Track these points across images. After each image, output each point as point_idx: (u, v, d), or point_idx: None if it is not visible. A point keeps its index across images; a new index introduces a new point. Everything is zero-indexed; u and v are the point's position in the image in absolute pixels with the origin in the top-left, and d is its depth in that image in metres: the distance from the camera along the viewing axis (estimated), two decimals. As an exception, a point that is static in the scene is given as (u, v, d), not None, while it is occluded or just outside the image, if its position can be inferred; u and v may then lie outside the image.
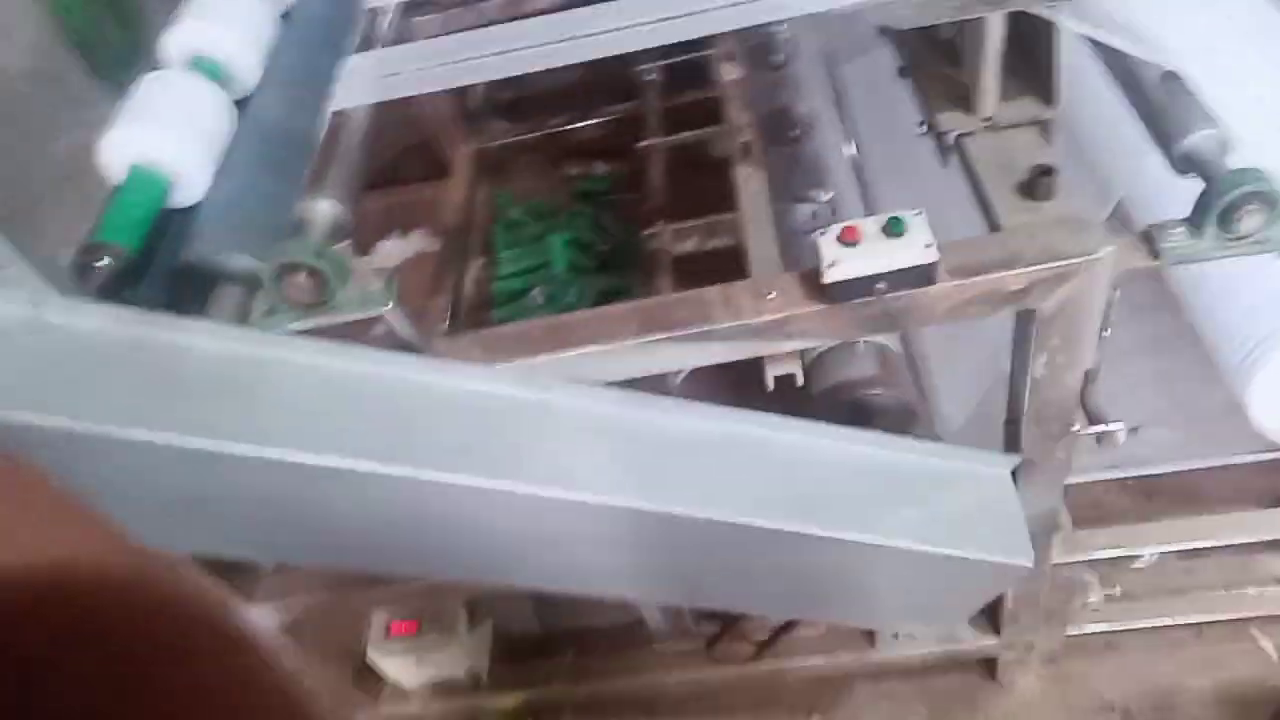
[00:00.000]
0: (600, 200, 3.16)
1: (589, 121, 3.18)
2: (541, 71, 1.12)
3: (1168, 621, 1.67)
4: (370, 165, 1.25)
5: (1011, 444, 1.25)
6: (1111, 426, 1.24)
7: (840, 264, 0.99)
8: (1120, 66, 1.13)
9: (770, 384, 1.12)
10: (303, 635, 1.72)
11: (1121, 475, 1.73)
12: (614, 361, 1.08)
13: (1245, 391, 1.51)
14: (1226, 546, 1.47)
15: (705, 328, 1.06)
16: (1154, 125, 1.08)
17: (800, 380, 1.11)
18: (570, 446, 1.10)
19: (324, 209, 1.08)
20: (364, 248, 3.17)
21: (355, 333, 1.12)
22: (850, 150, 1.69)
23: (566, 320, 1.10)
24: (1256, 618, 1.65)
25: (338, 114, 1.23)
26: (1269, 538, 1.49)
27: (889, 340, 1.43)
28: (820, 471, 1.19)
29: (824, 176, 1.66)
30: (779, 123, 1.74)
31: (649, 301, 1.10)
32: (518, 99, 3.74)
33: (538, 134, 3.28)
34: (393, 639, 1.76)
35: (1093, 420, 1.26)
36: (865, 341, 1.41)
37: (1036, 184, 1.06)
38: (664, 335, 1.06)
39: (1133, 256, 1.01)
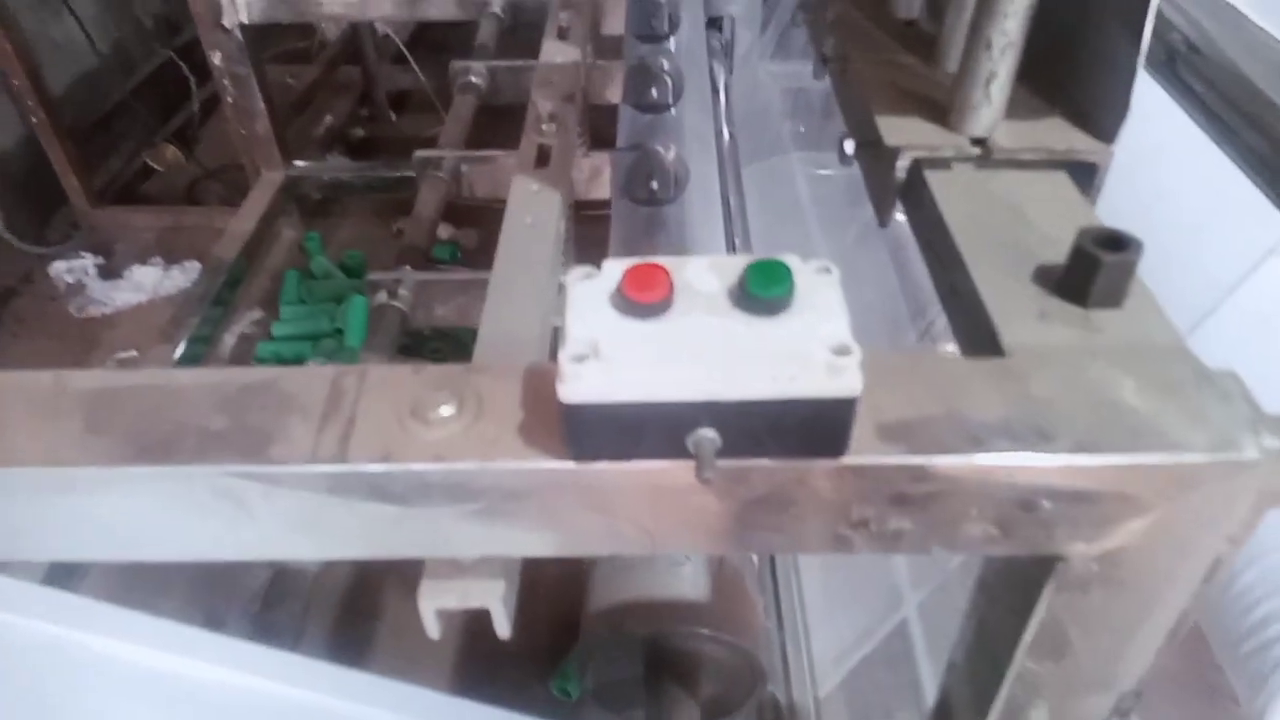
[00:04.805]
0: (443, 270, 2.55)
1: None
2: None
3: None
4: None
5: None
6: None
7: (601, 363, 0.36)
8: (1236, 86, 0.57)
9: (430, 626, 0.47)
10: None
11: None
12: (70, 503, 0.42)
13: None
14: None
15: (257, 467, 0.40)
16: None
17: (502, 628, 0.47)
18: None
19: None
20: (115, 270, 2.43)
21: None
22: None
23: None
24: None
25: None
26: None
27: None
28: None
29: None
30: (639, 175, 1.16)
31: (164, 375, 0.44)
32: (374, 137, 3.13)
33: (380, 175, 2.66)
34: None
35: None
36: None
37: (1090, 271, 0.46)
38: (161, 466, 0.40)
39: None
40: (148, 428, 0.41)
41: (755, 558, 0.83)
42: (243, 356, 2.23)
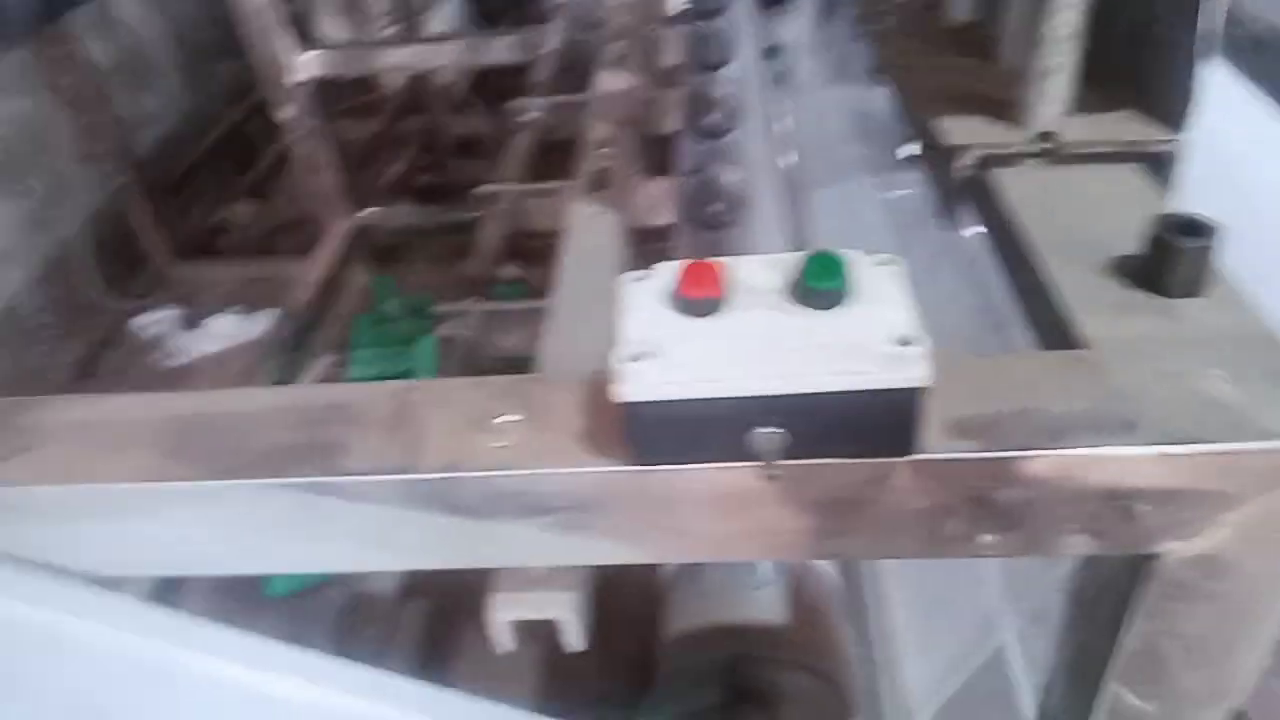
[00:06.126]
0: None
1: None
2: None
3: None
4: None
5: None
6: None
7: (657, 361, 0.36)
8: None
9: (502, 638, 0.46)
10: None
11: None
12: (140, 528, 0.43)
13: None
14: None
15: (330, 479, 0.40)
16: None
17: (575, 639, 0.46)
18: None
19: None
20: (194, 321, 2.52)
21: None
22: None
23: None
24: None
25: None
26: None
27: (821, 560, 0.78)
28: None
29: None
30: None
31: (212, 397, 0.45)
32: (439, 183, 3.21)
33: (446, 219, 2.72)
34: None
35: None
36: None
37: (1170, 259, 0.44)
38: (239, 480, 0.41)
39: None
40: (224, 446, 0.42)
41: (840, 578, 0.80)
42: (318, 400, 2.28)
